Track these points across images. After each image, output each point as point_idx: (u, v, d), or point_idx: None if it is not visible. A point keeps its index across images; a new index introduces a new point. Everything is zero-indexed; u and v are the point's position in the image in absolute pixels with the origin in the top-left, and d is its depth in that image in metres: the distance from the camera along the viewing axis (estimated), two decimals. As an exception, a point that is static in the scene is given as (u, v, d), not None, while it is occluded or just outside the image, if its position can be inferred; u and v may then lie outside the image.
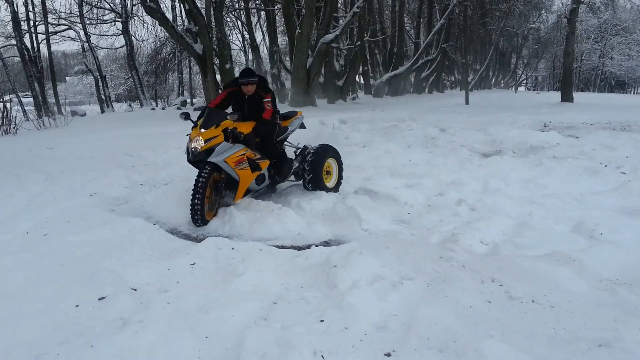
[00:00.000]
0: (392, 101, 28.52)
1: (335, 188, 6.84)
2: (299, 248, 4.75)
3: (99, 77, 29.74)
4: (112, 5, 28.77)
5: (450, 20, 35.18)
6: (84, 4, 27.05)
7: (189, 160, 5.77)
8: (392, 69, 33.54)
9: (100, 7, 28.60)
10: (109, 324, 3.07)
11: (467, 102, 24.14)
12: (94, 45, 29.61)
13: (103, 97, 29.98)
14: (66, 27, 29.22)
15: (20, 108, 26.14)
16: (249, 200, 5.97)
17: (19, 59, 27.47)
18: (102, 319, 3.16)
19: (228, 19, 29.06)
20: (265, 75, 31.22)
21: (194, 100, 33.21)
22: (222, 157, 5.54)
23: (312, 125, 12.57)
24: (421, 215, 5.79)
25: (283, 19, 23.88)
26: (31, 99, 27.67)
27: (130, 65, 30.03)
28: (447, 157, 8.84)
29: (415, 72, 36.76)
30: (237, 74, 7.09)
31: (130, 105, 31.85)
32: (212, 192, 5.66)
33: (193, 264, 4.08)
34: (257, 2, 30.47)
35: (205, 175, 5.44)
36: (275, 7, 27.57)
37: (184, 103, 27.91)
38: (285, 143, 7.02)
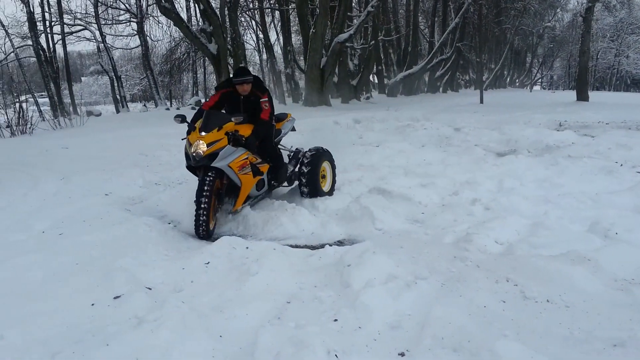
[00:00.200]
0: (406, 100, 28.49)
1: (330, 192, 6.64)
2: (313, 247, 4.74)
3: (114, 77, 30.00)
4: (127, 5, 28.98)
5: (465, 19, 35.03)
6: (99, 4, 27.29)
7: (187, 167, 5.50)
8: (407, 68, 33.52)
9: (116, 8, 28.91)
10: (124, 322, 3.09)
11: (481, 101, 23.98)
12: (109, 45, 29.85)
13: (118, 97, 30.29)
14: (82, 27, 29.45)
15: (36, 108, 26.53)
16: (263, 200, 5.97)
17: (34, 59, 27.76)
18: (117, 317, 3.18)
19: (242, 19, 29.08)
20: (279, 75, 31.33)
21: (208, 100, 33.22)
22: (227, 161, 5.19)
23: (325, 125, 12.60)
24: (435, 215, 5.76)
25: (297, 19, 23.87)
26: (47, 99, 28.03)
27: (145, 66, 30.22)
28: (462, 157, 8.81)
29: (429, 72, 36.72)
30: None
31: (145, 105, 32.02)
32: (215, 201, 5.29)
33: (207, 263, 4.09)
34: (271, 1, 30.54)
35: (210, 182, 5.08)
36: (290, 7, 27.58)
37: (198, 103, 27.91)
38: (279, 146, 6.63)
